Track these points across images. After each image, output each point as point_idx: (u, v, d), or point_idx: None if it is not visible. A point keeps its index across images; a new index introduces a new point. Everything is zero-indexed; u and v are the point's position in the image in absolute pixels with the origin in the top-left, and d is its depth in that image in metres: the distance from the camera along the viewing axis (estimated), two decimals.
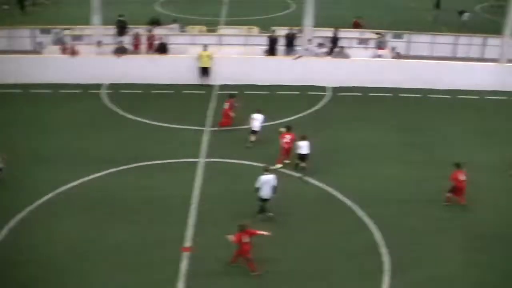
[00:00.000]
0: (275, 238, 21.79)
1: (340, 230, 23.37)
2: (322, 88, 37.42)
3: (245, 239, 20.03)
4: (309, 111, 34.17)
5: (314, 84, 37.63)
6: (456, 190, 25.28)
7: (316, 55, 39.08)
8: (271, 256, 21.30)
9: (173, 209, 24.05)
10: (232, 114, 31.50)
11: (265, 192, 23.28)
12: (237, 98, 32.13)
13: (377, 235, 23.00)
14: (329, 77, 37.86)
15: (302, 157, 27.30)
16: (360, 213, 24.40)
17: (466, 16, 54.20)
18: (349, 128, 32.39)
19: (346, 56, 39.31)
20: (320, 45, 39.99)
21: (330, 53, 39.68)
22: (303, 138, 27.27)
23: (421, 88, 37.96)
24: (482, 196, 26.16)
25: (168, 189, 25.52)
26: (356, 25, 47.07)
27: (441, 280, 20.92)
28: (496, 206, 25.70)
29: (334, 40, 40.92)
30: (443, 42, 45.82)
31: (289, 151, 27.78)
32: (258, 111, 30.07)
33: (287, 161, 27.77)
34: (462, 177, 25.13)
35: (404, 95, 37.25)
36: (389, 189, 26.50)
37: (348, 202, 25.14)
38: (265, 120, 30.34)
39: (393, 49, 42.62)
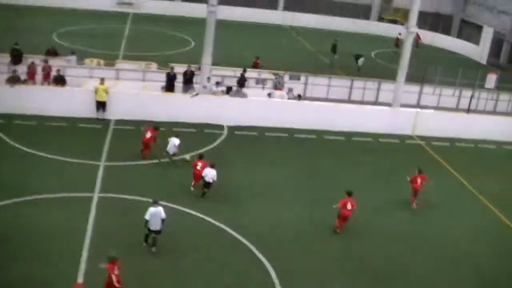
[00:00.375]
0: (168, 277, 21.51)
1: (235, 270, 23.19)
2: (219, 127, 37.46)
3: (115, 271, 19.46)
4: (205, 148, 34.00)
5: (211, 122, 37.60)
6: (340, 217, 26.26)
7: (214, 93, 39.19)
8: None
9: (65, 244, 23.23)
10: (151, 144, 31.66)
11: (154, 224, 23.09)
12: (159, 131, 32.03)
13: (273, 275, 22.99)
14: (226, 115, 37.91)
15: (207, 184, 27.70)
16: (256, 252, 24.34)
17: (361, 61, 55.99)
18: (246, 167, 32.48)
19: (243, 95, 39.64)
20: (218, 83, 40.26)
21: (228, 91, 39.92)
22: (211, 166, 27.65)
23: (316, 130, 38.64)
24: (376, 234, 27.07)
25: (61, 224, 24.63)
26: (255, 65, 47.70)
27: None
28: (388, 245, 26.42)
29: (242, 80, 41.38)
30: (339, 85, 47.11)
31: (199, 178, 28.05)
32: (176, 136, 30.92)
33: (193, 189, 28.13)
34: (349, 206, 25.99)
35: (300, 135, 37.79)
36: (285, 228, 26.63)
37: (244, 241, 25.04)
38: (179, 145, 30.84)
39: (289, 90, 43.37)
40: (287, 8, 77.14)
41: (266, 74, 45.04)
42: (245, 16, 72.96)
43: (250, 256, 24.09)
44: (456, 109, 49.05)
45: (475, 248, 27.51)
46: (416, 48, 63.15)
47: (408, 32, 41.72)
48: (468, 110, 47.26)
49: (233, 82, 41.67)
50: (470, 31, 79.26)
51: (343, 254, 25.25)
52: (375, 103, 46.36)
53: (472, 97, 48.27)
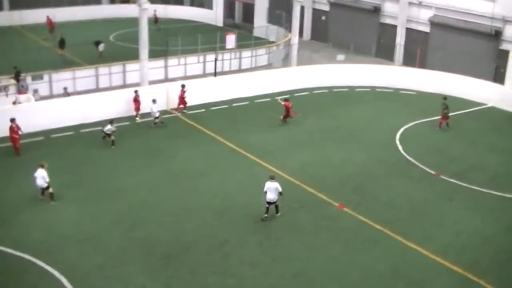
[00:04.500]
0: None
1: None
2: None
3: None
4: None
5: None
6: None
7: None
8: None
9: None
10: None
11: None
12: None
13: (65, 281, 22.35)
14: None
15: None
16: (41, 263, 23.34)
17: (102, 46, 54.97)
18: (7, 182, 30.66)
19: None
20: None
21: None
22: None
23: (73, 125, 37.49)
24: (156, 208, 27.03)
25: None
26: None
27: None
28: (167, 225, 26.51)
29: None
30: (85, 75, 46.02)
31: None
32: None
33: None
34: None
35: (58, 134, 36.38)
36: (62, 231, 25.83)
37: (26, 256, 23.81)
38: None
39: (35, 91, 41.66)
40: (13, 7, 73.13)
41: (5, 80, 42.69)
42: None
43: (36, 269, 23.03)
44: (204, 75, 50.14)
45: (255, 201, 28.58)
46: (155, 24, 63.99)
47: (141, 9, 41.77)
48: (215, 74, 48.50)
49: None
50: None
51: (131, 243, 25.16)
52: (124, 85, 45.89)
53: (216, 60, 49.56)
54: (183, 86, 40.91)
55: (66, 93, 41.87)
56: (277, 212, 27.49)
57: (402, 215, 28.33)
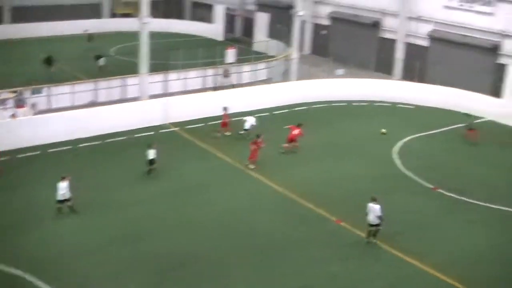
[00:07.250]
0: None
1: None
2: None
3: None
4: None
5: None
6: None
7: None
8: None
9: None
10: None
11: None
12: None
13: None
14: None
15: None
16: (38, 282, 23.17)
17: (102, 61, 55.02)
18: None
19: None
20: None
21: None
22: None
23: (72, 140, 37.40)
24: (161, 224, 27.37)
25: None
26: None
27: None
28: (175, 235, 26.70)
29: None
30: (84, 89, 45.96)
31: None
32: None
33: None
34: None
35: (56, 149, 36.29)
36: (60, 246, 25.76)
37: (21, 273, 23.68)
38: None
39: (33, 105, 41.63)
40: (14, 20, 72.94)
41: (4, 94, 42.70)
42: None
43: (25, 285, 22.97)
44: (204, 89, 50.12)
45: (256, 217, 28.92)
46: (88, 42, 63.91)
47: (142, 23, 41.89)
48: (215, 88, 48.54)
49: None
50: (202, 11, 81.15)
51: (129, 256, 25.20)
52: (124, 100, 45.89)
53: (216, 74, 49.64)
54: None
55: (92, 104, 41.84)
56: (374, 236, 26.84)
57: (400, 230, 28.26)
